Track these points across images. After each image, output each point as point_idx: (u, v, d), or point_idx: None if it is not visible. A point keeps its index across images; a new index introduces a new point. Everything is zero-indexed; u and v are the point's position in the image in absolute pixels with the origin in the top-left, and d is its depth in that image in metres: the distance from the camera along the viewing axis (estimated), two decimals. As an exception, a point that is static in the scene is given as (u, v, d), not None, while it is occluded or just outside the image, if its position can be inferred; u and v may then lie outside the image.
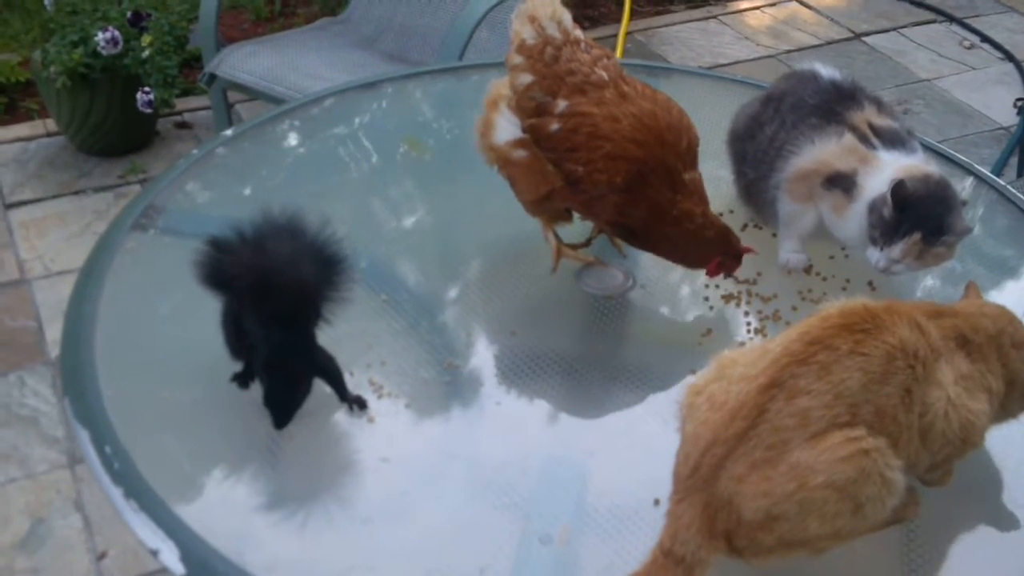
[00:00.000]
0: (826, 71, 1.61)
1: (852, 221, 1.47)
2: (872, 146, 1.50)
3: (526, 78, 1.46)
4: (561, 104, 1.44)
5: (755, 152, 1.61)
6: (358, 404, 1.31)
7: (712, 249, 1.46)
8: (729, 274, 1.51)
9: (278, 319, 1.23)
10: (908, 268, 1.44)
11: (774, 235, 1.65)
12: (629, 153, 1.41)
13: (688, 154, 1.44)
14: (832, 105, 1.55)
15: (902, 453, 1.07)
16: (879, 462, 1.04)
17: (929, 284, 1.62)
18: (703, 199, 1.45)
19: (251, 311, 1.25)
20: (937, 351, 1.12)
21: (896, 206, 1.40)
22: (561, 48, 1.46)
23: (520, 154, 1.50)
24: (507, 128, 1.51)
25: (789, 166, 1.55)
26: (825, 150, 1.52)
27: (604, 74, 1.45)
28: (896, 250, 1.42)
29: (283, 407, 1.24)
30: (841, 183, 1.48)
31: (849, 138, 1.51)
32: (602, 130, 1.42)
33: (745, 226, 1.69)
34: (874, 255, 1.44)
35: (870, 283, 1.57)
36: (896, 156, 1.49)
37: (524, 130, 1.48)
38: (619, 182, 1.41)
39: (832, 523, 1.03)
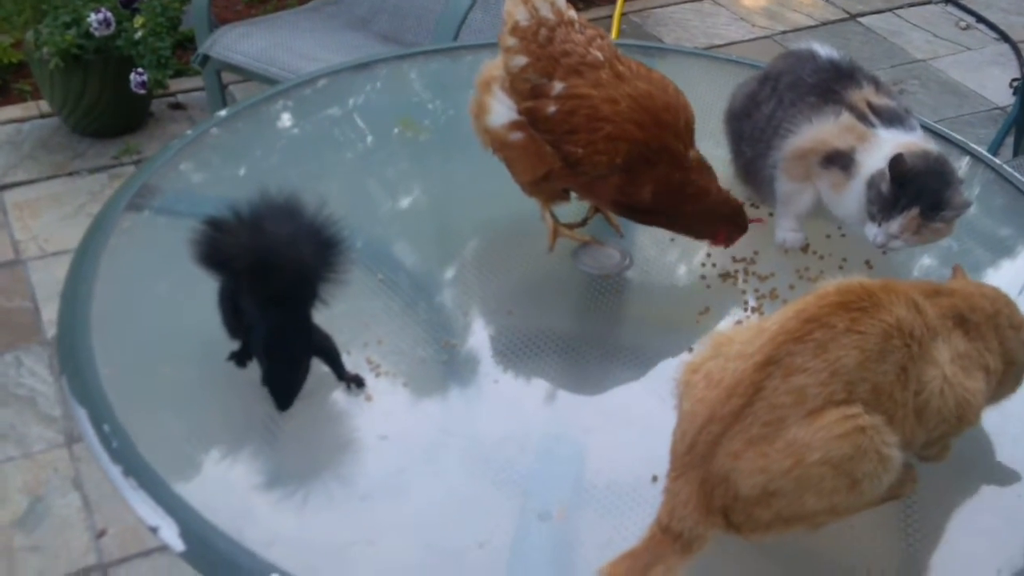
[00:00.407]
0: (824, 50, 1.61)
1: (851, 199, 1.47)
2: (871, 124, 1.50)
3: (520, 60, 1.45)
4: (558, 86, 1.43)
5: (752, 131, 1.61)
6: (356, 383, 1.31)
7: (724, 223, 1.48)
8: (733, 243, 1.51)
9: (276, 300, 1.23)
10: (906, 244, 1.44)
11: (771, 214, 1.65)
12: (629, 134, 1.41)
13: (686, 132, 1.44)
14: (830, 84, 1.55)
15: (898, 430, 1.07)
16: (875, 439, 1.04)
17: (926, 263, 1.63)
18: (712, 175, 1.46)
19: (249, 292, 1.24)
20: (934, 330, 1.12)
21: (894, 180, 1.40)
22: (555, 29, 1.45)
23: (517, 136, 1.49)
24: (501, 111, 1.50)
25: (787, 145, 1.55)
26: (823, 129, 1.52)
27: (599, 55, 1.45)
28: (894, 225, 1.42)
29: (285, 389, 1.24)
30: (839, 161, 1.48)
31: (847, 117, 1.51)
32: (601, 112, 1.41)
33: (743, 205, 1.69)
34: (872, 231, 1.44)
35: (867, 262, 1.57)
36: (895, 134, 1.49)
37: (520, 112, 1.48)
38: (620, 163, 1.41)
39: (829, 499, 1.04)
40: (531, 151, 1.48)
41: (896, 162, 1.39)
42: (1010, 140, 3.56)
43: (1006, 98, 4.02)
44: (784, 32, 4.57)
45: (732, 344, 1.11)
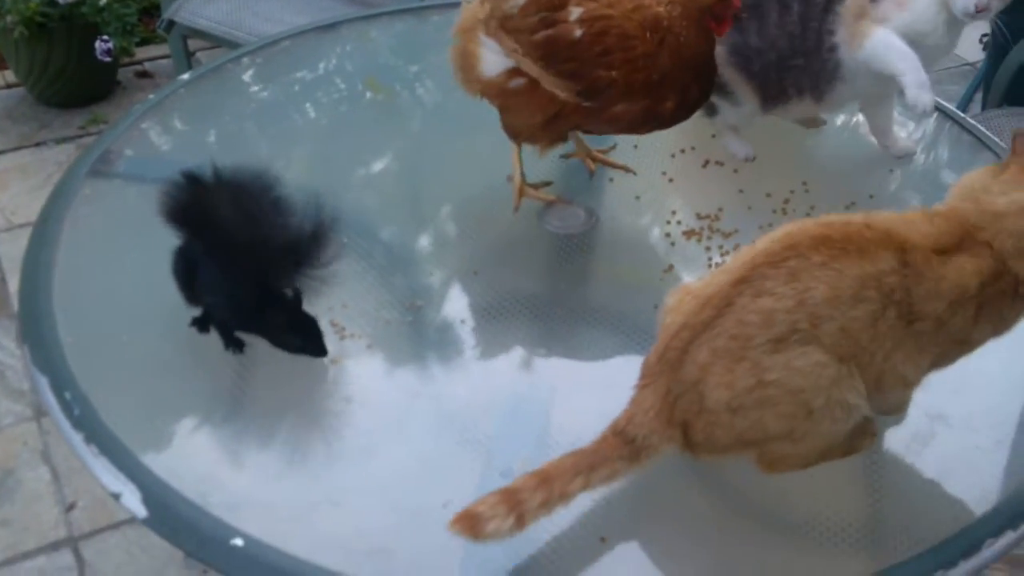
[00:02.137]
0: None
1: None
2: None
3: None
4: (575, 11, 1.39)
5: (780, 31, 1.57)
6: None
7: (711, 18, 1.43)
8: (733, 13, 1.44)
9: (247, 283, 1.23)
10: (995, 8, 1.53)
11: (735, 171, 1.65)
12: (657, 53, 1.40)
13: None
14: None
15: (867, 377, 1.07)
16: (839, 383, 1.04)
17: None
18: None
19: (221, 267, 1.24)
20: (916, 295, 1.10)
21: None
22: None
23: (517, 83, 1.45)
24: (494, 59, 1.45)
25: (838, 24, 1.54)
26: None
27: None
28: None
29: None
30: None
31: None
32: (629, 29, 1.39)
33: (707, 163, 1.69)
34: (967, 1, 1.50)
35: (832, 217, 1.57)
36: None
37: (531, 46, 1.41)
38: (656, 79, 1.40)
39: (788, 423, 1.04)
40: (536, 94, 1.44)
41: None
42: (979, 96, 3.57)
43: (977, 54, 4.01)
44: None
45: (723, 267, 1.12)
